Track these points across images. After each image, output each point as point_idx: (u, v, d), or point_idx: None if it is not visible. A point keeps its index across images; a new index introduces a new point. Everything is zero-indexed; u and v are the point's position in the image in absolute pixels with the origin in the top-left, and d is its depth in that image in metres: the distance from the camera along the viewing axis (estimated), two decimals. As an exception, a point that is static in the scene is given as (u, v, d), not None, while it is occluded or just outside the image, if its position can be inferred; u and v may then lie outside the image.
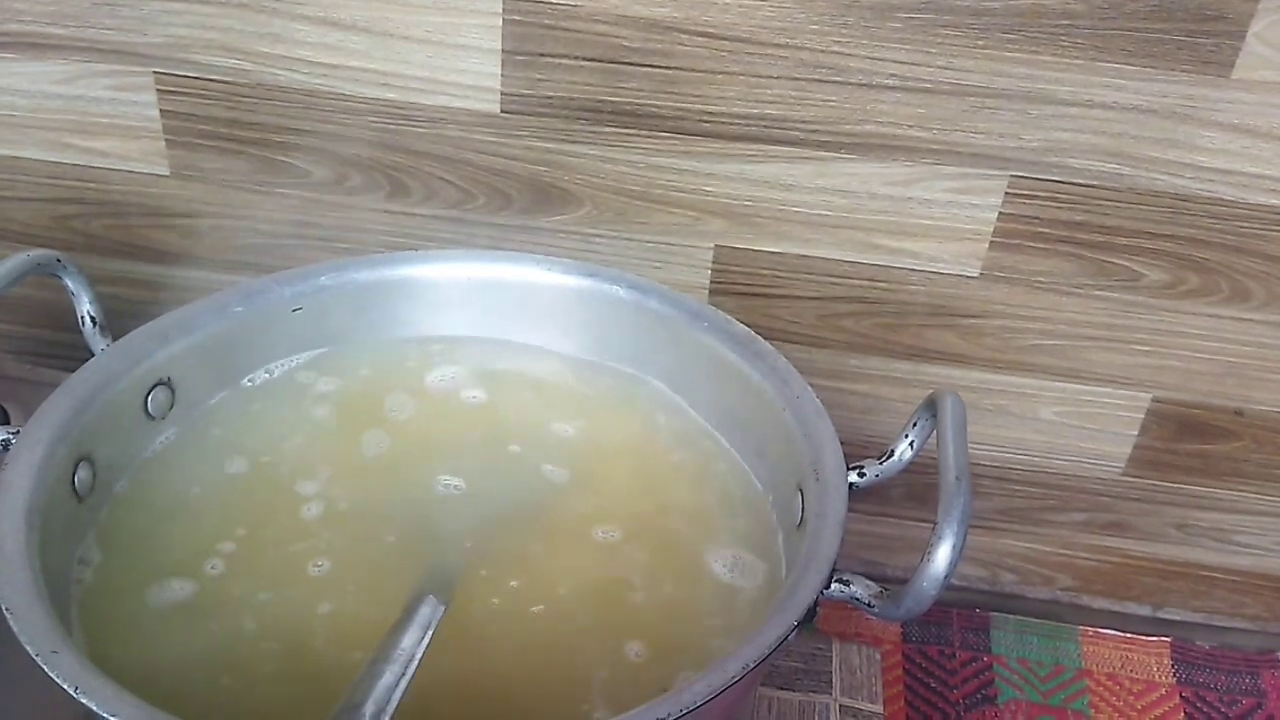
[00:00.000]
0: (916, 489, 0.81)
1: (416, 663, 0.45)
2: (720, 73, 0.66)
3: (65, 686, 0.41)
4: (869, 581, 0.48)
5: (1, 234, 0.78)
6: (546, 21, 0.65)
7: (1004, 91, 0.65)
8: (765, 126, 0.67)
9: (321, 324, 0.62)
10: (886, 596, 0.47)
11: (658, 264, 0.73)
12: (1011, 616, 0.82)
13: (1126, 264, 0.70)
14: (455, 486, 0.57)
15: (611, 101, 0.68)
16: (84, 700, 0.41)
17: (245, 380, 0.61)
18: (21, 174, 0.75)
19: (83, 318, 0.57)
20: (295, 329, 0.61)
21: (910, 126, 0.66)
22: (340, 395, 0.61)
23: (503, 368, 0.63)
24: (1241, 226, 0.68)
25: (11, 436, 0.50)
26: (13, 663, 0.42)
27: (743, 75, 0.66)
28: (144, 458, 0.56)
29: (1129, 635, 0.81)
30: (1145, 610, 0.84)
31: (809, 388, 0.55)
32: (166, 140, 0.72)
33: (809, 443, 0.53)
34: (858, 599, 0.48)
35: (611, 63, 0.66)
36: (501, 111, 0.69)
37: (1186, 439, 0.76)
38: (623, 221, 0.72)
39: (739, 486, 0.58)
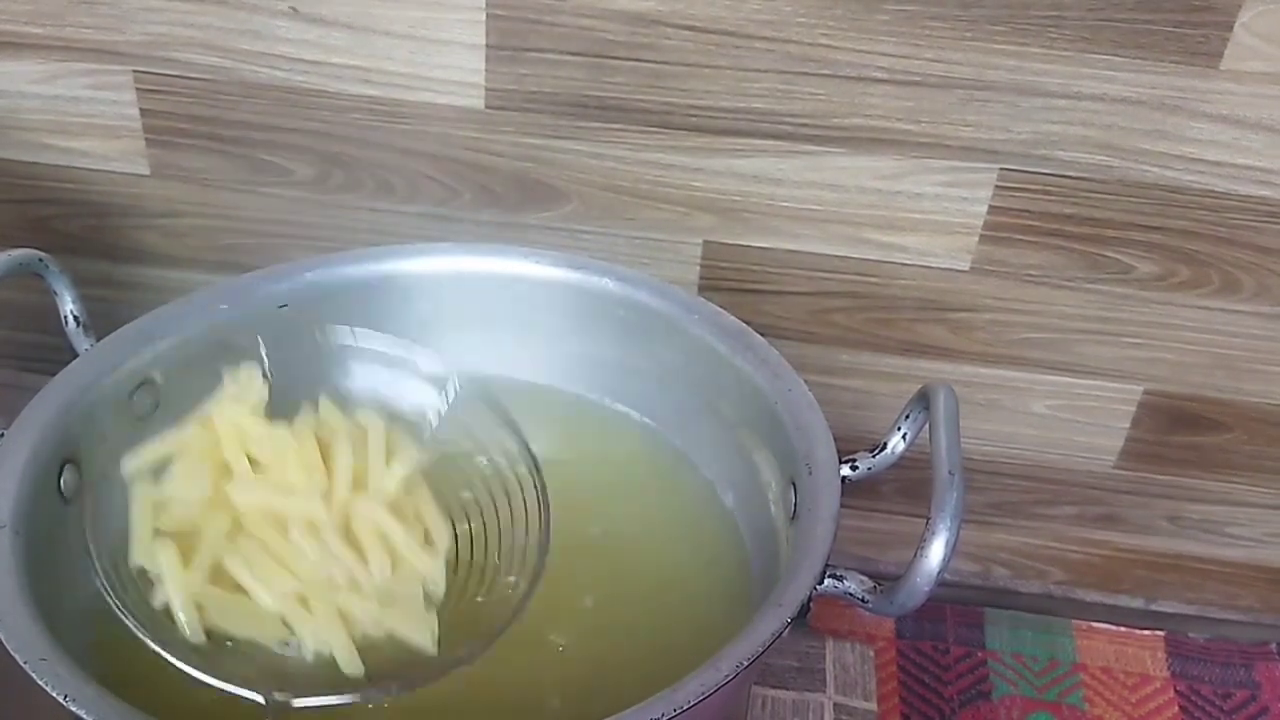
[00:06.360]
0: (908, 484, 0.80)
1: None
2: (707, 66, 0.65)
3: (55, 694, 0.40)
4: (863, 577, 0.48)
5: (-21, 237, 0.77)
6: (531, 16, 0.65)
7: (993, 84, 0.64)
8: (753, 120, 0.67)
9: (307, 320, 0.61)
10: (880, 592, 0.47)
11: (646, 260, 0.72)
12: (1005, 611, 0.82)
13: (1117, 256, 0.70)
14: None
15: (597, 96, 0.67)
16: (74, 709, 0.40)
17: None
18: (-1, 175, 0.75)
19: (66, 317, 0.56)
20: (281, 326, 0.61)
21: (899, 120, 0.66)
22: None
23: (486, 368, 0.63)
24: (1232, 218, 0.68)
25: (-5, 440, 0.50)
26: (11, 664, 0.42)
27: (730, 69, 0.65)
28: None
29: (1123, 629, 0.81)
30: (1138, 603, 0.84)
31: (801, 381, 0.55)
32: (147, 139, 0.72)
33: (801, 436, 0.52)
34: (851, 594, 0.48)
35: (597, 57, 0.66)
36: (486, 107, 0.68)
37: (1178, 431, 0.76)
38: (610, 217, 0.71)
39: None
